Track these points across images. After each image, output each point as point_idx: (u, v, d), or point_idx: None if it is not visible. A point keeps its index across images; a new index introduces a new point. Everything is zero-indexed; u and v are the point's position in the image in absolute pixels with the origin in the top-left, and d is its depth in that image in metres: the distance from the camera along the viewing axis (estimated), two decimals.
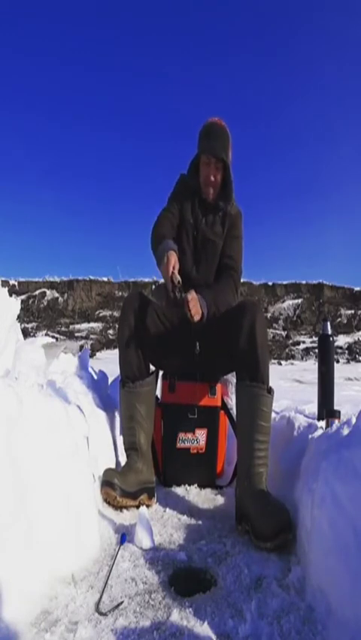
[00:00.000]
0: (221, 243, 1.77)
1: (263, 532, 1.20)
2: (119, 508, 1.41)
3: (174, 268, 1.52)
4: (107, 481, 1.37)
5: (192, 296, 1.48)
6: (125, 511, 1.43)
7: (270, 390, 1.46)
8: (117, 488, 1.37)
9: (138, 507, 1.40)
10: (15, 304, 1.46)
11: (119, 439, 1.66)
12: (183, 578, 1.06)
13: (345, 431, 1.10)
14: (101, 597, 0.94)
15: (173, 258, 1.54)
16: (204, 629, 0.85)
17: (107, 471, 1.42)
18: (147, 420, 1.58)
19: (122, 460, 1.64)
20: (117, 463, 1.67)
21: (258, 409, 1.42)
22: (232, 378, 1.83)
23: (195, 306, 1.47)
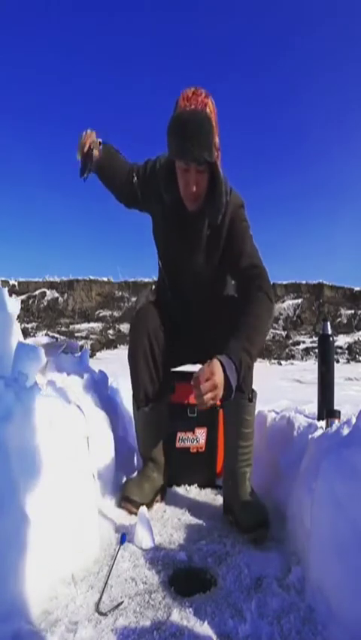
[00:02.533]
0: (209, 272, 1.46)
1: (243, 524, 1.30)
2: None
3: (89, 143, 1.45)
4: (127, 497, 1.45)
5: (206, 377, 1.12)
6: (125, 511, 1.43)
7: (251, 399, 1.45)
8: (137, 503, 1.43)
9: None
10: (15, 304, 1.46)
11: (120, 440, 1.67)
12: (183, 578, 1.06)
13: (345, 431, 1.10)
14: (101, 597, 0.94)
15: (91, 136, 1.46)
16: (204, 629, 0.85)
17: (126, 484, 1.51)
18: (162, 433, 1.62)
19: (122, 460, 1.66)
20: (117, 463, 1.67)
21: (241, 418, 1.45)
22: None
23: (214, 392, 1.12)
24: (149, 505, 1.48)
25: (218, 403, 1.17)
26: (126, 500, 1.45)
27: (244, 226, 1.41)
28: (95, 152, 1.49)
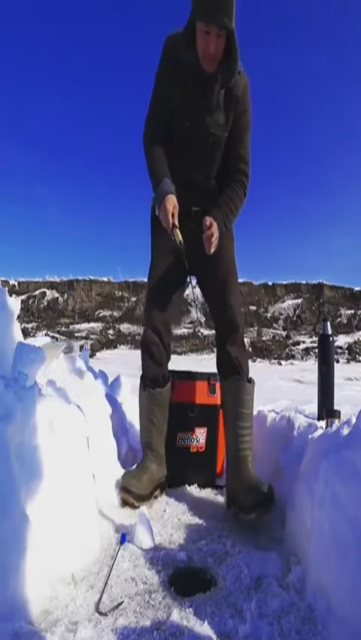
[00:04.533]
0: (225, 136, 1.56)
1: (246, 504, 1.33)
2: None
3: (173, 217, 1.46)
4: (125, 488, 1.47)
5: (213, 227, 1.44)
6: (125, 511, 1.43)
7: (250, 380, 1.56)
8: (134, 494, 1.46)
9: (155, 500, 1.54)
10: (15, 304, 1.45)
11: (120, 440, 1.67)
12: (183, 578, 1.06)
13: (345, 431, 1.10)
14: (101, 597, 0.94)
15: (171, 206, 1.45)
16: (204, 629, 0.85)
17: (125, 475, 1.52)
18: (163, 423, 1.65)
19: (123, 460, 1.66)
20: (117, 463, 1.67)
21: (239, 398, 1.53)
22: None
23: (216, 239, 1.45)
24: (147, 498, 1.50)
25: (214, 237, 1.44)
26: (125, 491, 1.47)
27: (248, 117, 1.58)
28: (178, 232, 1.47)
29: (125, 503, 1.47)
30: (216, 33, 1.38)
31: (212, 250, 1.46)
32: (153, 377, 1.62)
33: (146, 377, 1.64)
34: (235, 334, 1.57)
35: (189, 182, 1.59)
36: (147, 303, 1.64)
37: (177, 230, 1.46)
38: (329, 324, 1.96)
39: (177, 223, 1.46)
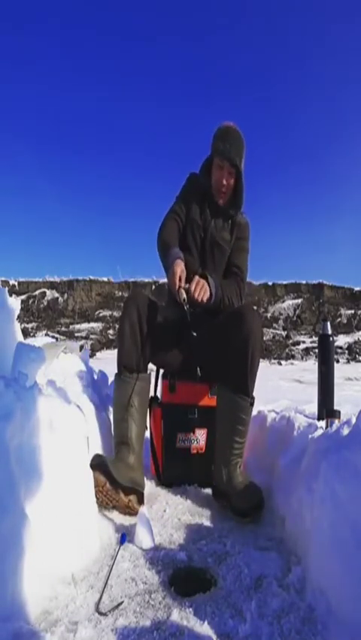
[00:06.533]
0: (229, 250, 1.80)
1: (241, 508, 1.38)
2: (105, 501, 1.31)
3: (180, 280, 1.55)
4: (97, 465, 1.27)
5: (196, 279, 1.54)
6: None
7: (252, 403, 1.55)
8: (108, 475, 1.28)
9: (126, 508, 1.36)
10: (15, 304, 1.46)
11: None
12: (183, 578, 1.06)
13: (345, 431, 1.10)
14: (101, 597, 0.94)
15: (179, 269, 1.56)
16: (204, 629, 0.85)
17: (96, 456, 1.32)
18: (140, 414, 1.53)
19: None
20: None
21: (238, 416, 1.52)
22: None
23: (202, 287, 1.54)
24: (124, 492, 1.33)
25: (205, 298, 1.55)
26: (95, 468, 1.26)
27: (243, 245, 1.83)
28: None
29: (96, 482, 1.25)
30: (228, 169, 1.68)
31: (198, 294, 1.53)
32: (128, 363, 1.54)
33: (120, 363, 1.56)
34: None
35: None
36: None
37: (183, 291, 1.55)
38: (329, 324, 1.97)
39: (183, 285, 1.55)
